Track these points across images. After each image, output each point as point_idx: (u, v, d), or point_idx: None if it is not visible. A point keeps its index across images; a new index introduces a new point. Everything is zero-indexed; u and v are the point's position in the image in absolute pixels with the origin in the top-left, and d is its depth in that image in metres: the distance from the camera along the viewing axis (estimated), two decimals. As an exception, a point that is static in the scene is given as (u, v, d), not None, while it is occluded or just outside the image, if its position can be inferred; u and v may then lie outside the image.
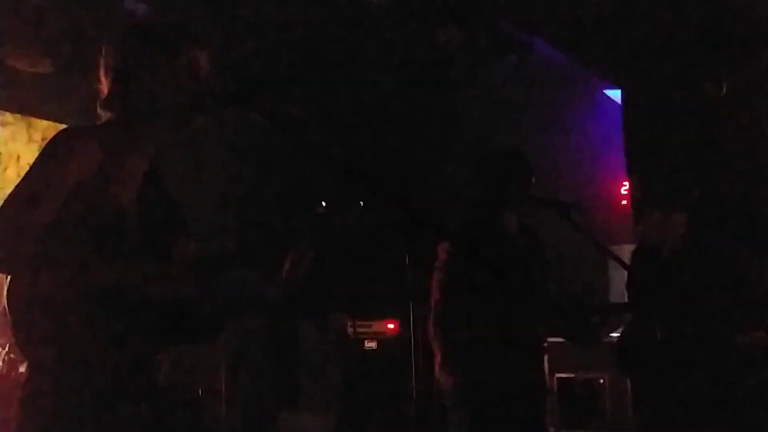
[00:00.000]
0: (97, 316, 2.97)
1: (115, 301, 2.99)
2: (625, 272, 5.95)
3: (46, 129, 8.26)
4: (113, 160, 3.17)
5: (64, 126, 3.36)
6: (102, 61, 3.24)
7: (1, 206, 3.03)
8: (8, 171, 8.06)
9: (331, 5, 8.02)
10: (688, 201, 6.79)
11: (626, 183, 11.02)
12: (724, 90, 10.18)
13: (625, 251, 7.52)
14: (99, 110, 3.27)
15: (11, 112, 8.20)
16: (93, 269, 2.96)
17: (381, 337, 8.85)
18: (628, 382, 7.79)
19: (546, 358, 5.79)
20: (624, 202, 10.85)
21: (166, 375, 3.20)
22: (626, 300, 7.31)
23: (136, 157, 3.29)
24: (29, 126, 8.31)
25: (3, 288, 2.96)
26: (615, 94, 11.26)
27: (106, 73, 3.24)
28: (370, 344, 8.71)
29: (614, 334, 8.03)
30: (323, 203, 3.20)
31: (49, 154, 3.10)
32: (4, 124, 8.16)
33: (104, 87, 3.26)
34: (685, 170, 7.22)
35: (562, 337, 5.98)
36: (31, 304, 2.92)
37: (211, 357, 7.27)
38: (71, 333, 2.93)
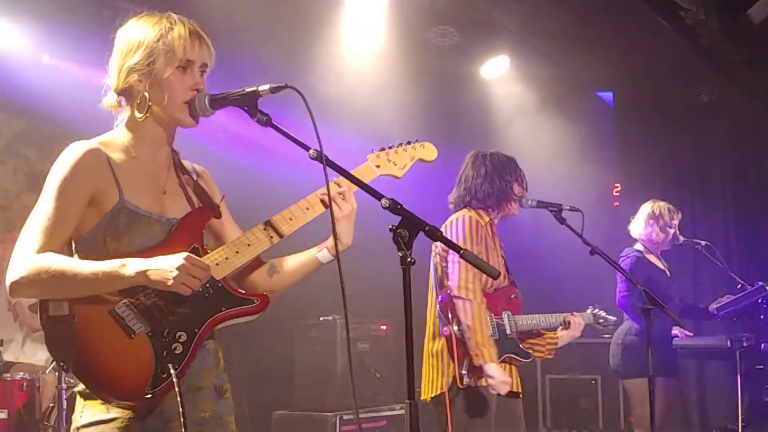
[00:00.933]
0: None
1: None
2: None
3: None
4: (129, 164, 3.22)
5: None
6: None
7: (30, 230, 3.07)
8: None
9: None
10: None
11: (618, 184, 11.08)
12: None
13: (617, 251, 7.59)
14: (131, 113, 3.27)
15: None
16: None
17: (373, 338, 8.90)
18: (620, 382, 7.83)
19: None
20: (615, 203, 10.91)
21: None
22: (618, 301, 7.38)
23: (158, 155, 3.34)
24: None
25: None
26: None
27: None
28: (363, 345, 8.75)
29: (606, 336, 8.08)
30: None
31: (66, 169, 3.11)
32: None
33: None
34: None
35: None
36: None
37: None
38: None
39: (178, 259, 3.00)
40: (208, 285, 3.16)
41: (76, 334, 3.00)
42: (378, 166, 3.56)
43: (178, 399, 3.00)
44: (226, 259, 3.24)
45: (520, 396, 5.74)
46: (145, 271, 2.99)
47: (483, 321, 5.41)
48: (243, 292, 3.29)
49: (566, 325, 5.85)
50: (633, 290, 7.13)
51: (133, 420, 3.07)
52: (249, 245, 3.29)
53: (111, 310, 3.04)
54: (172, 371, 3.03)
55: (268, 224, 3.34)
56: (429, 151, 3.74)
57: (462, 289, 5.41)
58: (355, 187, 3.37)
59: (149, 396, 3.02)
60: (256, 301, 3.25)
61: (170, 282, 2.97)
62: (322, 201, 3.39)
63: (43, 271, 2.98)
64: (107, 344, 3.03)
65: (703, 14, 8.50)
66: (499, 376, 5.34)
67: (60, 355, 3.04)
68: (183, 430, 3.00)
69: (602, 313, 6.14)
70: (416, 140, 3.72)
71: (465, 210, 5.74)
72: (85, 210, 3.13)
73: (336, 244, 3.27)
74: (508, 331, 5.60)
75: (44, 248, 3.03)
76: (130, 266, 2.99)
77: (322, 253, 3.45)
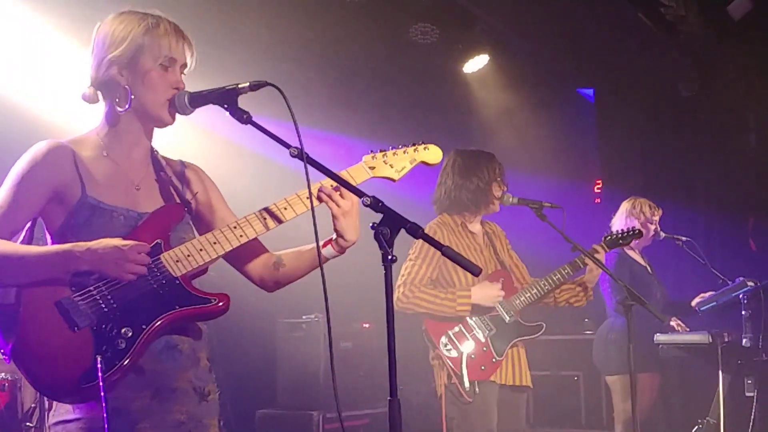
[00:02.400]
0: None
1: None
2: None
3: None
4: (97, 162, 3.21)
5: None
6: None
7: None
8: None
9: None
10: None
11: (599, 181, 11.09)
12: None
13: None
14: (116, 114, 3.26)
15: None
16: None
17: (356, 337, 8.90)
18: (603, 379, 7.84)
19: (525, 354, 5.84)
20: (597, 200, 10.93)
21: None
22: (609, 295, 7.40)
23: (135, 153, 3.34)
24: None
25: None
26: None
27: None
28: (345, 344, 8.75)
29: (588, 332, 8.10)
30: None
31: (25, 163, 3.13)
32: None
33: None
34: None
35: None
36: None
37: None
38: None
39: (121, 247, 3.02)
40: (164, 282, 3.13)
41: (18, 323, 2.99)
42: (372, 168, 3.49)
43: (101, 394, 2.95)
44: (188, 256, 3.19)
45: (530, 387, 5.78)
46: (97, 255, 3.01)
47: (425, 294, 5.52)
48: (202, 291, 3.21)
49: (578, 268, 5.85)
50: (615, 287, 7.16)
51: (97, 421, 3.02)
52: (215, 243, 3.24)
53: (58, 302, 3.02)
54: (98, 364, 2.97)
55: (239, 224, 3.30)
56: (433, 154, 3.63)
57: (396, 302, 5.47)
58: (354, 183, 3.34)
59: (84, 388, 2.98)
60: (214, 300, 3.19)
61: (117, 269, 3.01)
62: (318, 196, 3.34)
63: None
64: (49, 336, 3.01)
65: (684, 10, 8.53)
66: (487, 291, 5.42)
67: (1, 345, 3.02)
68: (105, 428, 2.95)
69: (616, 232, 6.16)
70: (421, 142, 3.63)
71: (436, 219, 5.81)
72: (51, 207, 3.14)
73: (317, 244, 3.22)
74: (507, 319, 5.61)
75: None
76: (82, 251, 3.01)
77: (327, 249, 3.39)
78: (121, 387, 3.06)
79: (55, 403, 3.12)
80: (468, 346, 5.47)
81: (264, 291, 3.59)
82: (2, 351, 3.03)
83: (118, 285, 3.05)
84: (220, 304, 3.19)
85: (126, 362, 3.03)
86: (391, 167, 3.54)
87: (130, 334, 3.05)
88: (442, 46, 9.15)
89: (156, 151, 3.43)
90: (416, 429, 8.12)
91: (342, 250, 3.38)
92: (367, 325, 9.09)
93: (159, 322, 3.11)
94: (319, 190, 3.28)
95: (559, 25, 9.06)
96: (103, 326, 3.04)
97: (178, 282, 3.16)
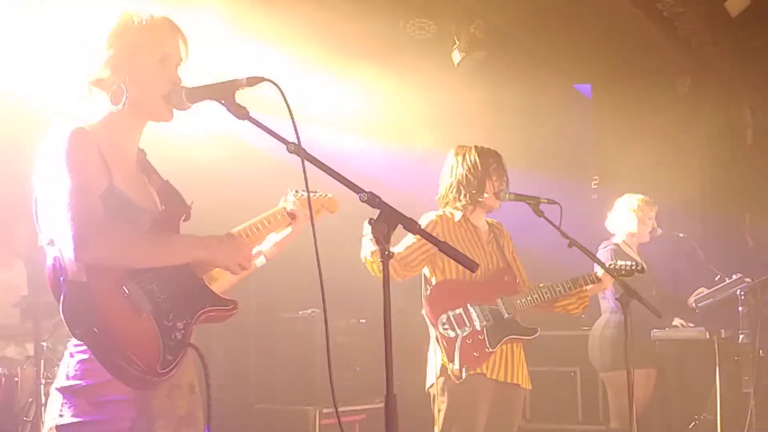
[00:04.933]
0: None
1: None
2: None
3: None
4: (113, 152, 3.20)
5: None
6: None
7: (75, 203, 2.99)
8: None
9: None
10: None
11: (596, 177, 11.09)
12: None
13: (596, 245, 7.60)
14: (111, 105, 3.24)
15: None
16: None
17: (353, 332, 8.91)
18: (600, 375, 7.84)
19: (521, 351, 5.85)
20: (594, 196, 10.93)
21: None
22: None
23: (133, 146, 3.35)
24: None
25: None
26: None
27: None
28: (342, 339, 8.75)
29: (585, 328, 8.10)
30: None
31: (78, 150, 3.06)
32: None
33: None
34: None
35: None
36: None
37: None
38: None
39: (239, 241, 3.28)
40: (193, 281, 3.22)
41: (95, 302, 2.98)
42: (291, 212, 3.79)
43: (205, 372, 3.16)
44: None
45: (521, 387, 5.78)
46: (212, 246, 3.18)
47: (400, 263, 5.52)
48: (219, 294, 3.36)
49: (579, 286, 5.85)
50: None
51: (121, 422, 3.04)
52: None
53: (124, 286, 3.03)
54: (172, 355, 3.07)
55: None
56: (332, 204, 4.08)
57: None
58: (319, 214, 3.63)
59: (162, 374, 3.02)
60: (230, 305, 3.34)
61: (232, 260, 3.21)
62: (289, 214, 3.66)
63: (128, 233, 3.07)
64: (121, 318, 3.01)
65: (681, 6, 8.53)
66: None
67: (76, 322, 2.98)
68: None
69: (620, 262, 6.13)
70: (326, 193, 4.02)
71: (436, 212, 5.84)
72: None
73: (316, 244, 3.23)
74: (506, 315, 5.64)
75: (100, 214, 3.03)
76: (198, 241, 3.17)
77: (259, 259, 3.63)
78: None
79: (63, 401, 3.06)
80: (465, 330, 5.50)
81: (261, 286, 3.64)
82: (77, 329, 2.98)
83: (166, 278, 3.12)
84: (233, 308, 3.35)
85: (183, 353, 3.14)
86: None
87: (182, 324, 3.15)
88: (439, 41, 9.14)
89: (143, 151, 3.42)
90: (412, 424, 8.14)
91: (315, 249, 3.35)
92: (363, 321, 9.10)
93: (197, 318, 3.22)
94: (308, 195, 3.31)
95: (556, 21, 9.05)
96: (161, 315, 3.10)
97: (203, 283, 3.31)
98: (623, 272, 6.01)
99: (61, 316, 3.00)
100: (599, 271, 5.87)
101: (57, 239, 3.01)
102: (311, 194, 3.77)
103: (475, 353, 5.49)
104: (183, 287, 3.17)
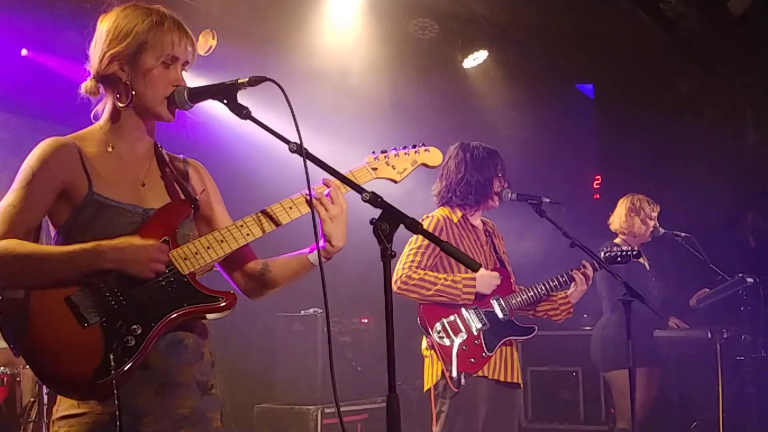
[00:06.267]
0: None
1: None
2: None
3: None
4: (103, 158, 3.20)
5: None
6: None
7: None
8: None
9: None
10: None
11: (598, 177, 11.10)
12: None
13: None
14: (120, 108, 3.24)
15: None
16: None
17: (355, 332, 8.91)
18: (601, 375, 7.84)
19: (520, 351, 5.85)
20: (596, 196, 10.94)
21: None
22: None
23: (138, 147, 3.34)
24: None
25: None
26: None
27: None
28: (344, 339, 8.76)
29: (587, 328, 8.10)
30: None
31: (34, 161, 3.11)
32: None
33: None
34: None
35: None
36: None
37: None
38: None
39: (145, 245, 3.04)
40: (172, 279, 3.12)
41: (28, 319, 2.97)
42: (375, 169, 3.51)
43: (114, 392, 2.95)
44: (196, 253, 3.19)
45: (520, 386, 5.77)
46: (121, 254, 3.01)
47: (429, 278, 5.51)
48: (209, 288, 3.20)
49: (571, 280, 5.82)
50: (612, 283, 7.16)
51: (102, 415, 3.03)
52: (222, 241, 3.24)
53: (67, 298, 3.01)
54: (112, 362, 2.97)
55: (245, 222, 3.30)
56: (434, 156, 3.70)
57: (396, 283, 5.51)
58: (345, 189, 3.34)
59: (98, 385, 2.97)
60: (221, 299, 3.18)
61: (141, 267, 3.01)
62: (308, 201, 3.35)
63: (9, 254, 2.97)
64: (59, 332, 2.99)
65: (683, 6, 8.53)
66: (488, 280, 5.45)
67: (11, 340, 3.00)
68: (117, 424, 2.96)
69: (616, 249, 6.12)
70: (422, 144, 3.68)
71: (438, 210, 5.82)
72: (57, 204, 3.12)
73: (317, 244, 3.23)
74: (501, 315, 5.62)
75: (7, 235, 3.01)
76: (106, 249, 3.00)
77: (313, 254, 3.40)
78: (127, 382, 3.04)
79: (59, 397, 3.11)
80: (461, 337, 5.48)
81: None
82: (11, 345, 3.01)
83: (127, 282, 3.05)
84: (227, 302, 3.19)
85: (136, 359, 3.02)
86: (393, 168, 3.58)
87: (140, 331, 3.05)
88: (442, 41, 9.15)
89: (160, 146, 3.41)
90: (414, 424, 8.14)
91: (329, 256, 3.36)
92: (365, 320, 9.10)
93: (168, 319, 3.10)
94: (310, 195, 3.27)
95: (559, 21, 9.05)
96: (113, 323, 3.04)
97: (186, 279, 3.16)
98: (619, 259, 6.01)
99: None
100: (601, 286, 5.86)
101: None
102: (399, 152, 3.64)
103: (471, 359, 5.47)
104: (150, 289, 3.08)
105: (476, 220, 5.88)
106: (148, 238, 3.09)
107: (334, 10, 8.54)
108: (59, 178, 3.10)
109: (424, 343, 5.62)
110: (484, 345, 5.50)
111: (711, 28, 9.20)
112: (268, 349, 8.93)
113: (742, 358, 7.13)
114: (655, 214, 7.64)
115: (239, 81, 3.08)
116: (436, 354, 5.48)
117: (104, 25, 3.25)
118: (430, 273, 5.54)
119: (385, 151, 3.60)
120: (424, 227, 3.02)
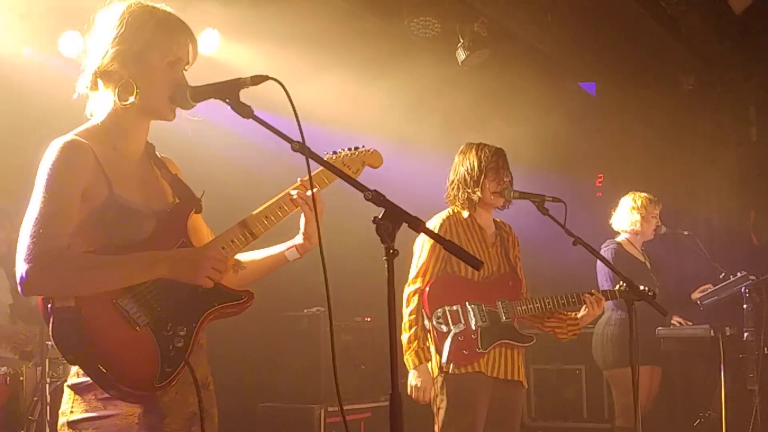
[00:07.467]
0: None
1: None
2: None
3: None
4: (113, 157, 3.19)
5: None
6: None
7: (31, 229, 2.97)
8: None
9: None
10: None
11: (601, 175, 11.09)
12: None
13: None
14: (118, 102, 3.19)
15: None
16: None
17: (357, 330, 8.91)
18: (604, 373, 7.84)
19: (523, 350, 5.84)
20: (598, 194, 10.93)
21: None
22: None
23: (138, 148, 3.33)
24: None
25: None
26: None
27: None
28: (347, 337, 8.76)
29: (590, 326, 8.10)
30: None
31: (59, 168, 3.04)
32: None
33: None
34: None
35: None
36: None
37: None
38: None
39: (203, 252, 3.12)
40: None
41: (84, 326, 2.97)
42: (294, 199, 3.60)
43: (198, 396, 3.11)
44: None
45: (522, 384, 5.77)
46: (175, 262, 3.08)
47: (418, 313, 5.60)
48: (231, 288, 3.27)
49: (581, 302, 5.84)
50: (613, 281, 7.15)
51: (132, 417, 3.05)
52: (232, 242, 3.31)
53: (115, 303, 3.02)
54: (168, 366, 3.04)
55: (244, 224, 3.35)
56: (376, 158, 3.91)
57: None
58: (325, 185, 3.49)
59: (158, 388, 3.02)
60: (244, 296, 3.27)
61: (197, 273, 3.07)
62: (293, 201, 3.46)
63: (64, 265, 2.97)
64: (114, 336, 3.01)
65: (684, 4, 8.52)
66: (417, 383, 5.47)
67: (67, 348, 2.99)
68: (201, 425, 3.13)
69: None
70: (363, 146, 3.83)
71: (446, 210, 5.85)
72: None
73: (320, 239, 3.24)
74: (503, 318, 5.63)
75: (55, 246, 2.97)
76: (161, 258, 3.06)
77: (290, 252, 3.52)
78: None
79: (72, 399, 3.10)
80: (458, 327, 5.50)
81: (265, 284, 3.60)
82: (70, 355, 3.01)
83: (163, 285, 3.09)
84: (249, 299, 3.29)
85: (186, 360, 3.11)
86: (349, 168, 3.71)
87: (185, 332, 3.12)
88: (443, 39, 9.13)
89: (152, 145, 3.41)
90: (417, 422, 8.14)
91: (303, 254, 3.50)
92: (368, 319, 9.10)
93: (205, 320, 3.19)
94: (297, 195, 3.38)
95: (560, 19, 9.04)
96: (160, 326, 3.09)
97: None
98: (634, 297, 5.97)
99: (53, 342, 3.02)
100: (603, 284, 5.85)
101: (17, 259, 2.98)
102: (350, 152, 3.78)
103: (464, 351, 5.49)
104: (185, 291, 3.12)
105: (485, 221, 5.88)
106: (166, 241, 3.15)
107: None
108: (83, 181, 3.08)
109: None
110: (479, 341, 5.53)
111: (713, 25, 9.20)
112: (271, 348, 8.93)
113: (745, 355, 7.13)
114: (657, 212, 7.65)
115: (241, 80, 3.07)
116: (431, 339, 5.52)
117: (108, 21, 3.21)
118: None
119: (336, 151, 3.74)
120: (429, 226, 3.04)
